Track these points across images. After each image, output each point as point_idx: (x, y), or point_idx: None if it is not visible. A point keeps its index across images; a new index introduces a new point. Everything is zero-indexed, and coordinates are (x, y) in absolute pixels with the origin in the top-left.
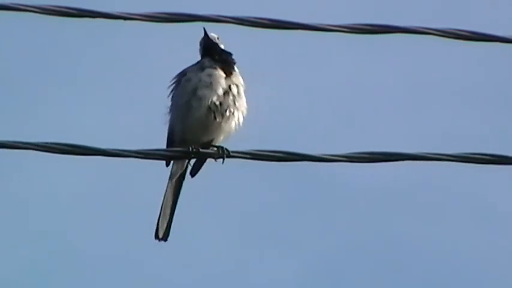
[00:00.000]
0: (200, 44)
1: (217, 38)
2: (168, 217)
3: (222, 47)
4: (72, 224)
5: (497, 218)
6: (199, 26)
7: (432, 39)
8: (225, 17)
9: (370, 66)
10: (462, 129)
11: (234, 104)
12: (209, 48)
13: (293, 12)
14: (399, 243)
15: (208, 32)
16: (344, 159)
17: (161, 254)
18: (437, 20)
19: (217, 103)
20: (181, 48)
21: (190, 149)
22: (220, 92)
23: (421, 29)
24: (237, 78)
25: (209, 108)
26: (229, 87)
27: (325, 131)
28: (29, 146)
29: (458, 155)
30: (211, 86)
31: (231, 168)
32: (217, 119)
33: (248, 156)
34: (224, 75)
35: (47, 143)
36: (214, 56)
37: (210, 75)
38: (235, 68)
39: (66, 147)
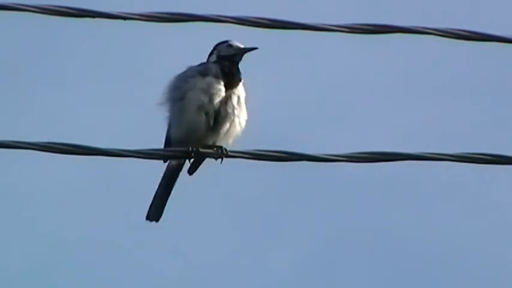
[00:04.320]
0: (218, 50)
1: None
2: (161, 201)
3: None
4: (72, 223)
5: (497, 216)
6: (199, 26)
7: (432, 39)
8: (225, 17)
9: (370, 66)
10: (462, 129)
11: (234, 112)
12: (229, 57)
13: (293, 12)
14: (398, 241)
15: (236, 42)
16: (344, 159)
17: (161, 250)
18: (437, 20)
19: (211, 109)
20: (181, 48)
21: (190, 148)
22: (217, 99)
23: (421, 29)
24: (238, 89)
25: (201, 112)
26: (229, 96)
27: (325, 131)
28: (29, 146)
29: (458, 155)
30: (206, 91)
31: (231, 168)
32: (211, 125)
33: (248, 156)
34: (224, 87)
35: (47, 142)
36: (225, 66)
37: (209, 84)
38: (240, 82)
39: (66, 147)
